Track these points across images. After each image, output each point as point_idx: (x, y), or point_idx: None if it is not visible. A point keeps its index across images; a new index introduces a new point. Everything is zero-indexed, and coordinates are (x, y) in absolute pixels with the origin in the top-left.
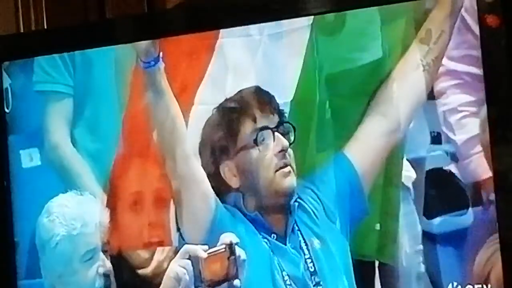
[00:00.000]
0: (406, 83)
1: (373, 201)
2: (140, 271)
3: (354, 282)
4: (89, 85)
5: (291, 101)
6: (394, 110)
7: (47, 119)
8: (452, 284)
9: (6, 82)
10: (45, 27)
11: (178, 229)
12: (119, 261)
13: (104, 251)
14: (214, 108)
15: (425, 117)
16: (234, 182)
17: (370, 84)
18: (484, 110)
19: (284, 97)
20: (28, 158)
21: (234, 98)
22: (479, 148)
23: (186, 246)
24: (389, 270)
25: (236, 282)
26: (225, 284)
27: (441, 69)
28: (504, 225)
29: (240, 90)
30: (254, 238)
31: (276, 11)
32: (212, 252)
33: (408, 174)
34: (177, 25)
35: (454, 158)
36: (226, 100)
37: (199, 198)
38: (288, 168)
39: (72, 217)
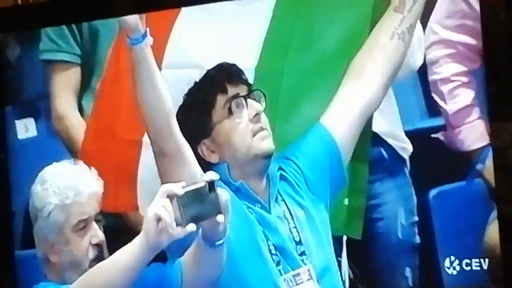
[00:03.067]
0: (382, 52)
1: None
2: None
3: (333, 253)
4: (96, 55)
5: (255, 67)
6: (370, 79)
7: (53, 89)
8: (450, 258)
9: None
10: None
11: None
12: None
13: (98, 221)
14: (185, 94)
15: (420, 89)
16: (213, 158)
17: (345, 53)
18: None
19: (247, 63)
20: (23, 129)
21: (203, 77)
22: (470, 118)
23: (164, 185)
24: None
25: (220, 217)
26: (208, 219)
27: (434, 37)
28: (502, 200)
29: (207, 71)
30: (239, 209)
31: None
32: (190, 189)
33: (404, 145)
34: None
35: (445, 128)
36: (196, 83)
37: (187, 175)
38: (265, 132)
39: (65, 186)
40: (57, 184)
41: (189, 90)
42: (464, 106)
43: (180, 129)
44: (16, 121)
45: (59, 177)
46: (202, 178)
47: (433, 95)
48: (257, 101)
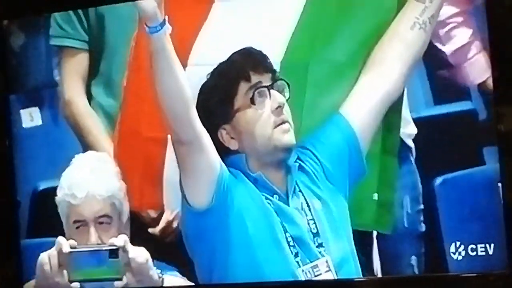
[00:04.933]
0: (403, 41)
1: (370, 170)
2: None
3: (353, 244)
4: (103, 40)
5: (281, 61)
6: (390, 69)
7: (62, 75)
8: (455, 244)
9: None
10: None
11: (183, 194)
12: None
13: (102, 223)
14: (208, 74)
15: (426, 77)
16: (232, 144)
17: (366, 43)
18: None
19: (274, 57)
20: (28, 118)
21: (227, 61)
22: (469, 55)
23: (59, 238)
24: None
25: (118, 283)
26: (105, 282)
27: None
28: (507, 184)
29: (233, 53)
30: (257, 199)
31: None
32: (82, 250)
33: (410, 131)
34: None
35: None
36: (220, 64)
37: (205, 163)
38: (287, 125)
39: (69, 184)
40: (67, 178)
41: (213, 71)
42: (463, 44)
43: (201, 110)
44: (21, 111)
45: (73, 171)
46: (111, 241)
47: (432, 41)
48: (280, 92)
